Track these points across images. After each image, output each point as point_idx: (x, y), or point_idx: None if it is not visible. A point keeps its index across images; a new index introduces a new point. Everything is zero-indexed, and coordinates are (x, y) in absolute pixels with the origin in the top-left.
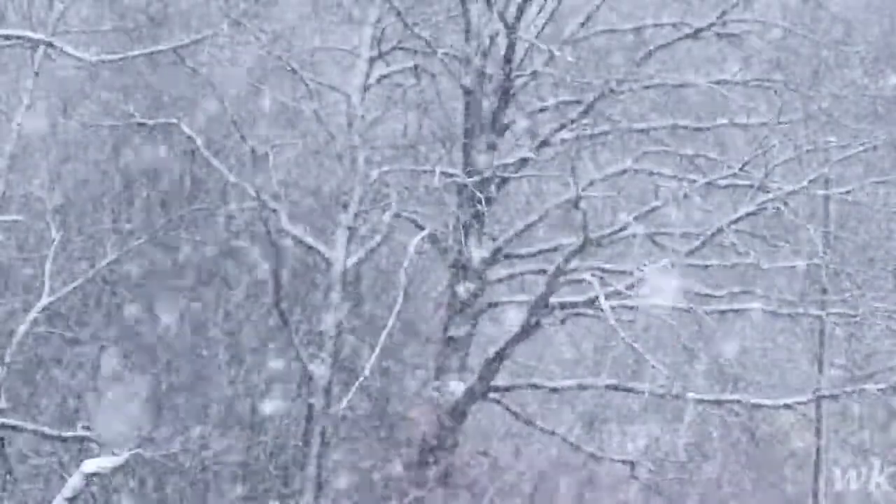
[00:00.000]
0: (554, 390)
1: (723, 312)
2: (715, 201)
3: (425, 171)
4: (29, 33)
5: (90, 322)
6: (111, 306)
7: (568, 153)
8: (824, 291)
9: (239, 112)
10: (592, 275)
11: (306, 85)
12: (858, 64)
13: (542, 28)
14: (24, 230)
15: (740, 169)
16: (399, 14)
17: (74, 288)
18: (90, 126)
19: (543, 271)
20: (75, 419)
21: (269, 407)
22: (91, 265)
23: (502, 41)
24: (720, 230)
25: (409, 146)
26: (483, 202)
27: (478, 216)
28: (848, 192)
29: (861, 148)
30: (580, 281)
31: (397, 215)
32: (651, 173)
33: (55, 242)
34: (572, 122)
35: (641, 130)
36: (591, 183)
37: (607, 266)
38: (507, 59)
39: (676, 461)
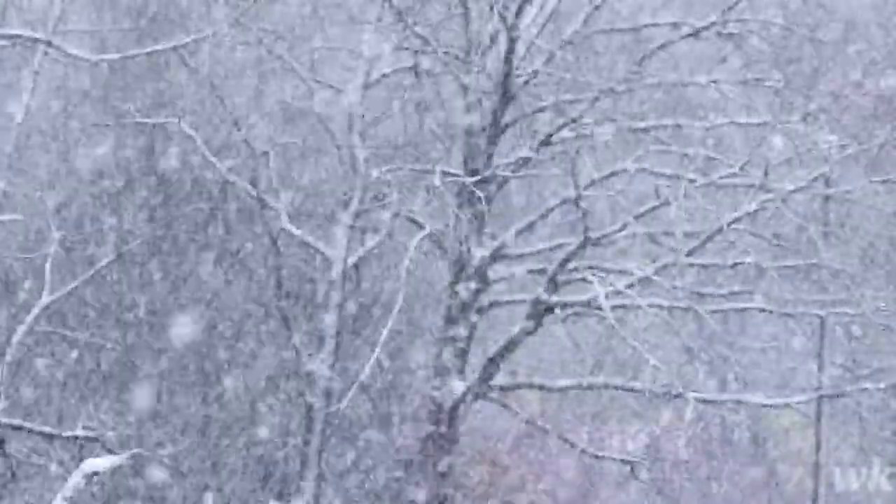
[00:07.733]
0: (554, 390)
1: (723, 312)
2: (715, 201)
3: (425, 171)
4: (29, 33)
5: (90, 322)
6: (110, 305)
7: (568, 153)
8: (825, 291)
9: (239, 111)
10: (592, 275)
11: (306, 84)
12: (858, 64)
13: (542, 28)
14: (24, 230)
15: (740, 169)
16: (399, 14)
17: (74, 288)
18: (91, 125)
19: (543, 271)
20: (75, 419)
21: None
22: (91, 265)
23: (502, 41)
24: (720, 230)
25: (409, 146)
26: (483, 202)
27: (478, 216)
28: (848, 192)
29: (861, 148)
30: (580, 281)
31: (397, 215)
32: (651, 173)
33: (55, 242)
34: (572, 121)
35: (641, 130)
36: (592, 182)
37: (607, 266)
38: (507, 59)
39: (677, 461)
